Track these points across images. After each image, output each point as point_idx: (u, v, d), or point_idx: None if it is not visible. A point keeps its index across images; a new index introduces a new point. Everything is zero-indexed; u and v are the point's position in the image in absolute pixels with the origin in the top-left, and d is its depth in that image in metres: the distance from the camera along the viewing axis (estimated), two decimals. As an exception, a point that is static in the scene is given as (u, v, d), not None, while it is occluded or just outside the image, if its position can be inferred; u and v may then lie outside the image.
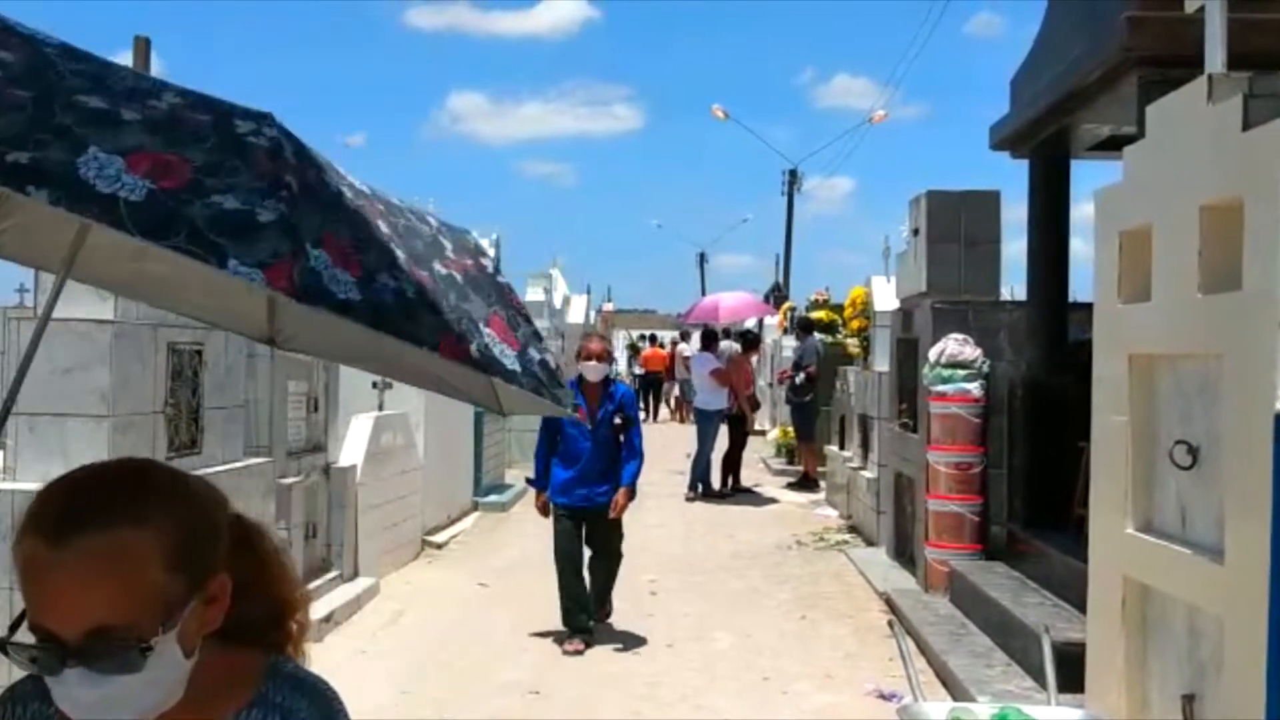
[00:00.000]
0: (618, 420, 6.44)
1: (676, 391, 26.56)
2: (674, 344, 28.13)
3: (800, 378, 13.35)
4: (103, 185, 1.13)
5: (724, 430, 13.29)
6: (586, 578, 6.65)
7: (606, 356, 6.52)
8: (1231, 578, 3.16)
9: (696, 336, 24.65)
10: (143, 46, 5.35)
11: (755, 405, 14.42)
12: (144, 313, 5.07)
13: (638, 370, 29.16)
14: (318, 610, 6.67)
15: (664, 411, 27.70)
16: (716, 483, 13.15)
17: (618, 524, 6.63)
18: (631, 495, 6.57)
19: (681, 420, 24.35)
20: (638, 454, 6.51)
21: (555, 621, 6.89)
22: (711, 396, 13.08)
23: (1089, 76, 5.73)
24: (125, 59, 5.27)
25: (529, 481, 6.71)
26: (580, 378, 6.47)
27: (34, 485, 4.73)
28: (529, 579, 8.35)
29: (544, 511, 6.61)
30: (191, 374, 5.37)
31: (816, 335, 14.87)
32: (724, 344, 13.94)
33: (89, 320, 4.73)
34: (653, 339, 31.20)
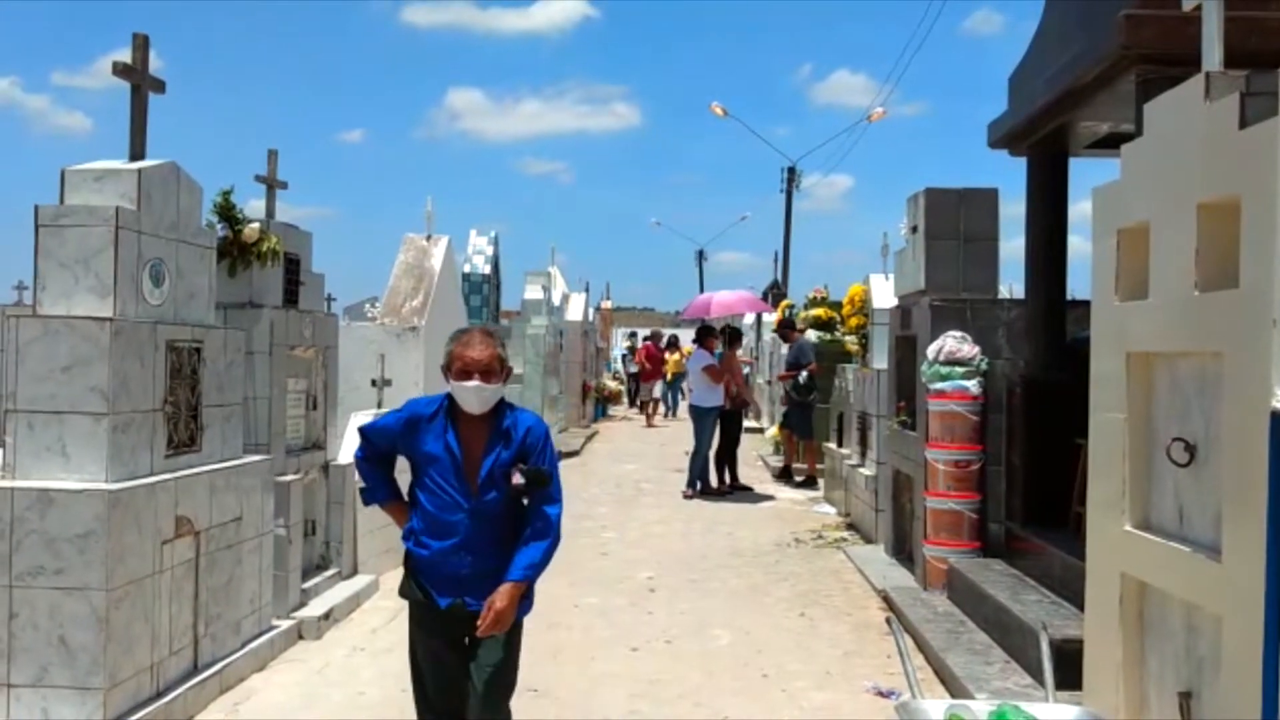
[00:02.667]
0: (518, 479, 3.68)
1: (656, 392, 26.03)
2: (663, 346, 27.54)
3: (804, 376, 13.35)
4: None
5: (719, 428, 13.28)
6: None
7: (498, 369, 3.73)
8: (1229, 575, 3.17)
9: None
10: (141, 43, 5.36)
11: (744, 402, 14.17)
12: (143, 311, 5.07)
13: (632, 368, 28.86)
14: (316, 608, 6.69)
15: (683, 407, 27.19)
16: (714, 480, 13.17)
17: (506, 651, 3.79)
18: (524, 601, 3.78)
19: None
20: (550, 532, 3.73)
21: (552, 621, 6.90)
22: (706, 393, 13.06)
23: (1087, 74, 5.73)
24: (124, 56, 5.28)
25: (364, 495, 4.06)
26: (448, 402, 3.78)
27: (33, 484, 4.75)
28: (528, 576, 8.36)
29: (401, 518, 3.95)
30: (190, 372, 5.37)
31: (811, 333, 14.88)
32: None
33: (88, 318, 4.73)
34: (641, 336, 30.91)
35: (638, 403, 27.33)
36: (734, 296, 20.15)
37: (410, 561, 3.86)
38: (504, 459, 3.73)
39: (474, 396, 3.71)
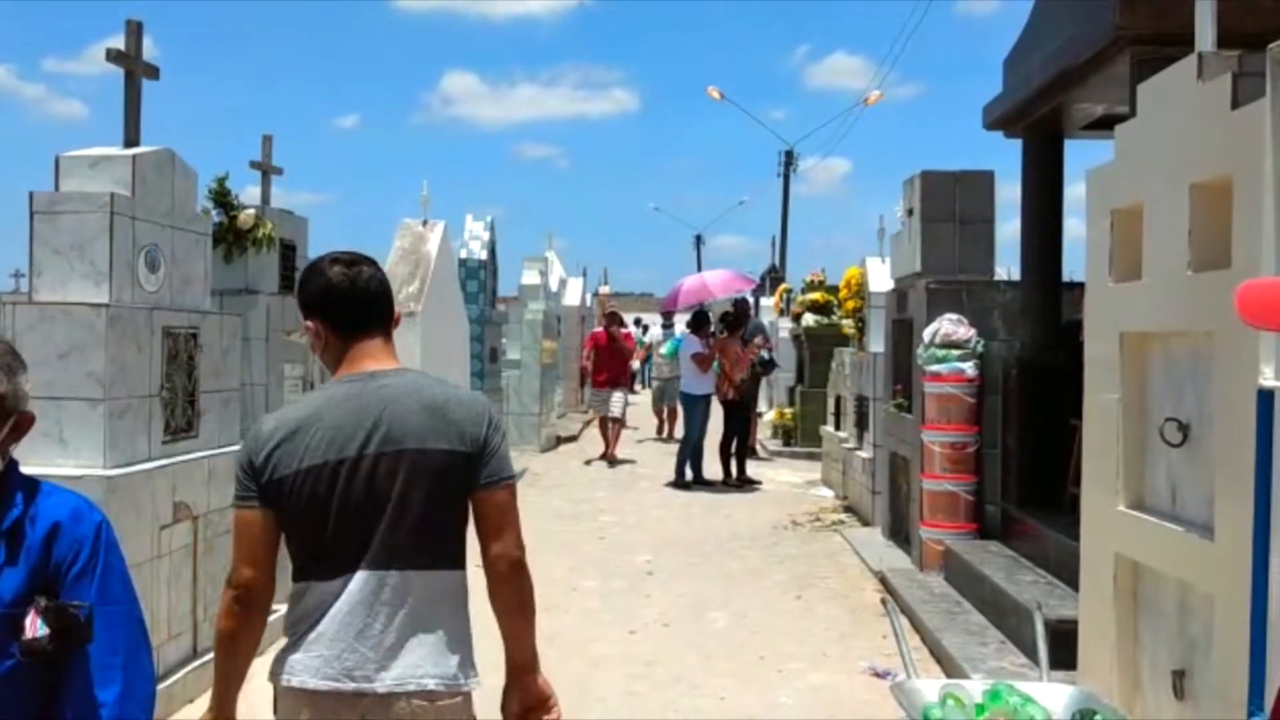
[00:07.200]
0: (35, 629, 1.83)
1: (615, 408, 14.97)
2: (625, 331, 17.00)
3: (766, 354, 13.36)
4: None
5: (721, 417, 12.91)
6: None
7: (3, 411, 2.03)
8: (1221, 554, 3.19)
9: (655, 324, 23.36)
10: (135, 30, 5.35)
11: (739, 389, 12.72)
12: (139, 297, 5.07)
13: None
14: (315, 593, 6.71)
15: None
16: (720, 472, 12.63)
17: None
18: None
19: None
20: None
21: (550, 604, 6.94)
22: (693, 381, 12.81)
23: (1081, 56, 5.73)
24: (117, 43, 5.27)
25: None
26: None
27: (30, 470, 4.74)
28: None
29: None
30: (187, 358, 5.37)
31: (809, 316, 14.83)
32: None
33: (85, 304, 4.73)
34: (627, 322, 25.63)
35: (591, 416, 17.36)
36: (724, 275, 19.33)
37: None
38: (6, 591, 1.87)
39: None
